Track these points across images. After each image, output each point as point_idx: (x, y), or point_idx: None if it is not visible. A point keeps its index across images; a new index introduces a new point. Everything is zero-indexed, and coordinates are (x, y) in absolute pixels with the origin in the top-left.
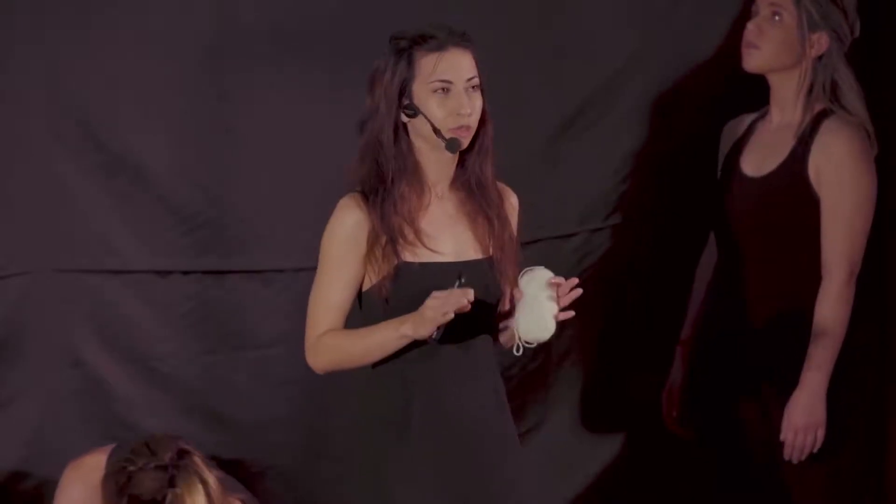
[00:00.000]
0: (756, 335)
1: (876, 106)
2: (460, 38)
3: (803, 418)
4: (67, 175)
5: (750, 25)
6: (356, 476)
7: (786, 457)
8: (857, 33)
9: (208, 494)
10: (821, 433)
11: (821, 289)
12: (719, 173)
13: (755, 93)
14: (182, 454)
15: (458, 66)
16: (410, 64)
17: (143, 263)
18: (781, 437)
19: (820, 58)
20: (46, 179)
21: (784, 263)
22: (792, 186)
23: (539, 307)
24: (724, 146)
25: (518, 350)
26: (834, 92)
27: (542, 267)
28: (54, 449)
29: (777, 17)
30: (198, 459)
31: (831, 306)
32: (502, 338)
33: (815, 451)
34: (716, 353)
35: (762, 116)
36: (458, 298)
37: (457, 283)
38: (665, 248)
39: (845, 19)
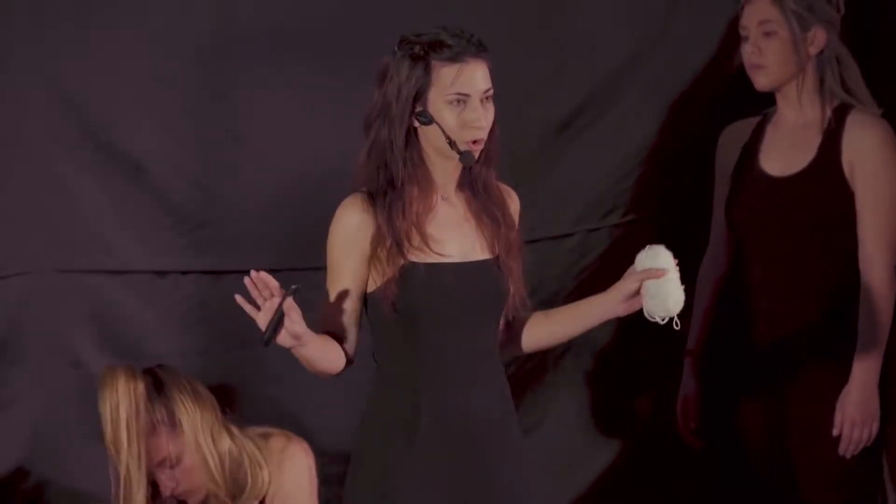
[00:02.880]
0: (780, 338)
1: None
2: (477, 49)
3: (860, 412)
4: (67, 175)
5: (748, 47)
6: (361, 476)
7: (840, 451)
8: (842, 10)
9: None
10: (875, 427)
11: (865, 281)
12: (730, 178)
13: (755, 92)
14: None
15: (476, 78)
16: (427, 72)
17: (143, 263)
18: (835, 431)
19: (822, 51)
20: (46, 179)
21: (809, 262)
22: (827, 183)
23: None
24: (728, 152)
25: (677, 324)
26: (842, 78)
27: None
28: (54, 449)
29: (770, 32)
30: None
31: (878, 297)
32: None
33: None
34: (734, 358)
35: (767, 118)
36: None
37: (290, 290)
38: None
39: (829, 3)
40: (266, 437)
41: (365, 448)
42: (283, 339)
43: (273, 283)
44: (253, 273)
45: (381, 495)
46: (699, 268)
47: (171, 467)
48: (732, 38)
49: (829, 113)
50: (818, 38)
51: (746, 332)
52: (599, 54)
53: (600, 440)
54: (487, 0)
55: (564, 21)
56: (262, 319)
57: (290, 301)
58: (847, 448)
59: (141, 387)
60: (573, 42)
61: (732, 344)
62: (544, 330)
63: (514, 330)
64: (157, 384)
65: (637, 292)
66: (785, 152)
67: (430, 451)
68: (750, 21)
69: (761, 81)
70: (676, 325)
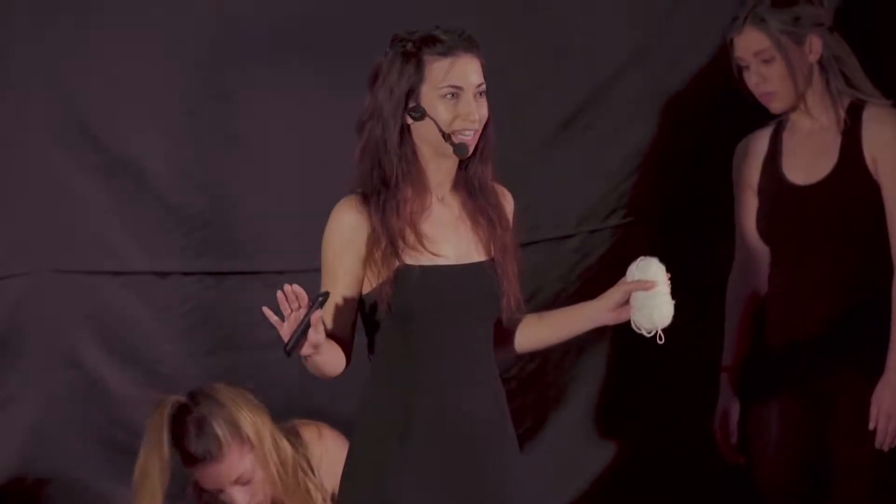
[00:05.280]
0: (827, 341)
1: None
2: (469, 44)
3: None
4: (67, 175)
5: (752, 77)
6: (357, 479)
7: (877, 445)
8: (825, 2)
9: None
10: None
11: None
12: (756, 191)
13: None
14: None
15: (469, 72)
16: (419, 68)
17: (143, 264)
18: (871, 425)
19: (820, 55)
20: (46, 179)
21: (841, 264)
22: (854, 183)
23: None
24: (748, 164)
25: (661, 338)
26: (845, 75)
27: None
28: (53, 449)
29: (768, 59)
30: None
31: None
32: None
33: None
34: (779, 372)
35: (782, 126)
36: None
37: (318, 299)
38: (664, 250)
39: (811, 3)
40: (295, 432)
41: (360, 448)
42: (305, 348)
43: (304, 296)
44: (286, 287)
45: (375, 495)
46: (726, 281)
47: (246, 483)
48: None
49: (842, 114)
50: (814, 45)
51: (777, 339)
52: (599, 54)
53: (600, 441)
54: (487, 1)
55: (565, 21)
56: (287, 330)
57: (316, 313)
58: (884, 441)
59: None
60: (573, 42)
61: (793, 356)
62: (536, 332)
63: (508, 331)
64: (217, 404)
65: (626, 302)
66: (806, 160)
67: (424, 451)
68: (744, 53)
69: (777, 107)
70: (660, 338)
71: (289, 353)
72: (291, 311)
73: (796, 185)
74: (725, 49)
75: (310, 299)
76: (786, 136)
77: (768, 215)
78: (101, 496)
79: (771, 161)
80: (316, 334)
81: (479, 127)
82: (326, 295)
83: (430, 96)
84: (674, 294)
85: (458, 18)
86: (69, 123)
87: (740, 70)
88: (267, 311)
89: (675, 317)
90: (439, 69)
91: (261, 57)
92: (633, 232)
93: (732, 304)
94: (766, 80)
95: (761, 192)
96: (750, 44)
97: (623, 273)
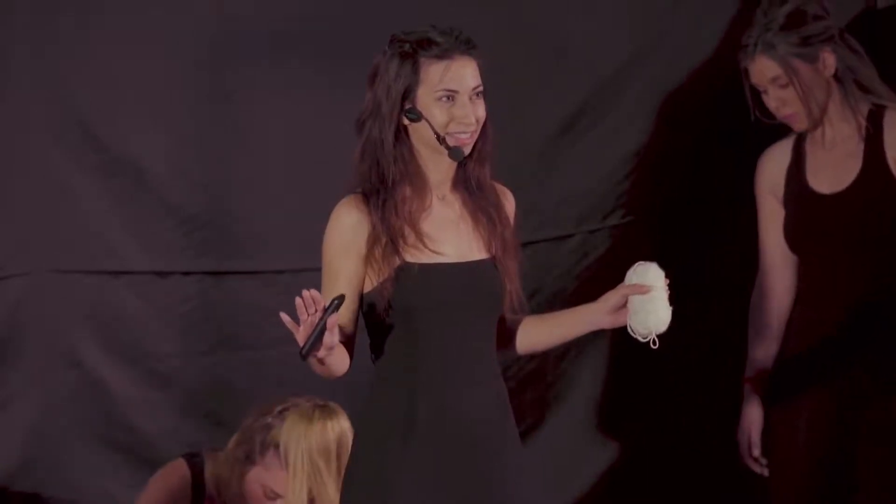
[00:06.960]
0: (847, 347)
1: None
2: (466, 46)
3: None
4: (67, 175)
5: (771, 102)
6: (359, 479)
7: None
8: (829, 13)
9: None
10: None
11: None
12: (782, 202)
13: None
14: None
15: (465, 75)
16: (416, 70)
17: (143, 264)
18: None
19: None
20: (46, 179)
21: (865, 269)
22: (879, 187)
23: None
24: (772, 176)
25: (655, 343)
26: (860, 85)
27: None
28: (53, 449)
29: (784, 84)
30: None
31: None
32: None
33: None
34: (801, 379)
35: (803, 137)
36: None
37: (333, 303)
38: (663, 250)
39: (817, 18)
40: None
41: (362, 447)
42: (321, 351)
43: (320, 300)
44: (305, 293)
45: (377, 494)
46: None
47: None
48: (734, 36)
49: (863, 121)
50: (827, 61)
51: (799, 346)
52: (599, 55)
53: (600, 441)
54: (487, 1)
55: (565, 21)
56: (303, 334)
57: (332, 317)
58: None
59: None
60: (573, 43)
61: (784, 360)
62: (536, 334)
63: (510, 330)
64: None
65: (623, 306)
66: (830, 169)
67: (426, 450)
68: (760, 79)
69: (800, 127)
70: (654, 343)
71: (304, 357)
72: (308, 315)
73: (821, 194)
74: (725, 49)
75: (324, 304)
76: (808, 146)
77: (794, 225)
78: (101, 496)
79: (795, 171)
80: (331, 338)
81: (475, 129)
82: (342, 299)
83: (426, 99)
84: (673, 294)
85: (459, 18)
86: (69, 123)
87: (757, 94)
88: (284, 316)
89: (674, 317)
90: (435, 72)
91: (261, 57)
92: (632, 232)
93: (755, 315)
94: (785, 103)
95: (787, 203)
96: (764, 71)
97: (623, 273)
